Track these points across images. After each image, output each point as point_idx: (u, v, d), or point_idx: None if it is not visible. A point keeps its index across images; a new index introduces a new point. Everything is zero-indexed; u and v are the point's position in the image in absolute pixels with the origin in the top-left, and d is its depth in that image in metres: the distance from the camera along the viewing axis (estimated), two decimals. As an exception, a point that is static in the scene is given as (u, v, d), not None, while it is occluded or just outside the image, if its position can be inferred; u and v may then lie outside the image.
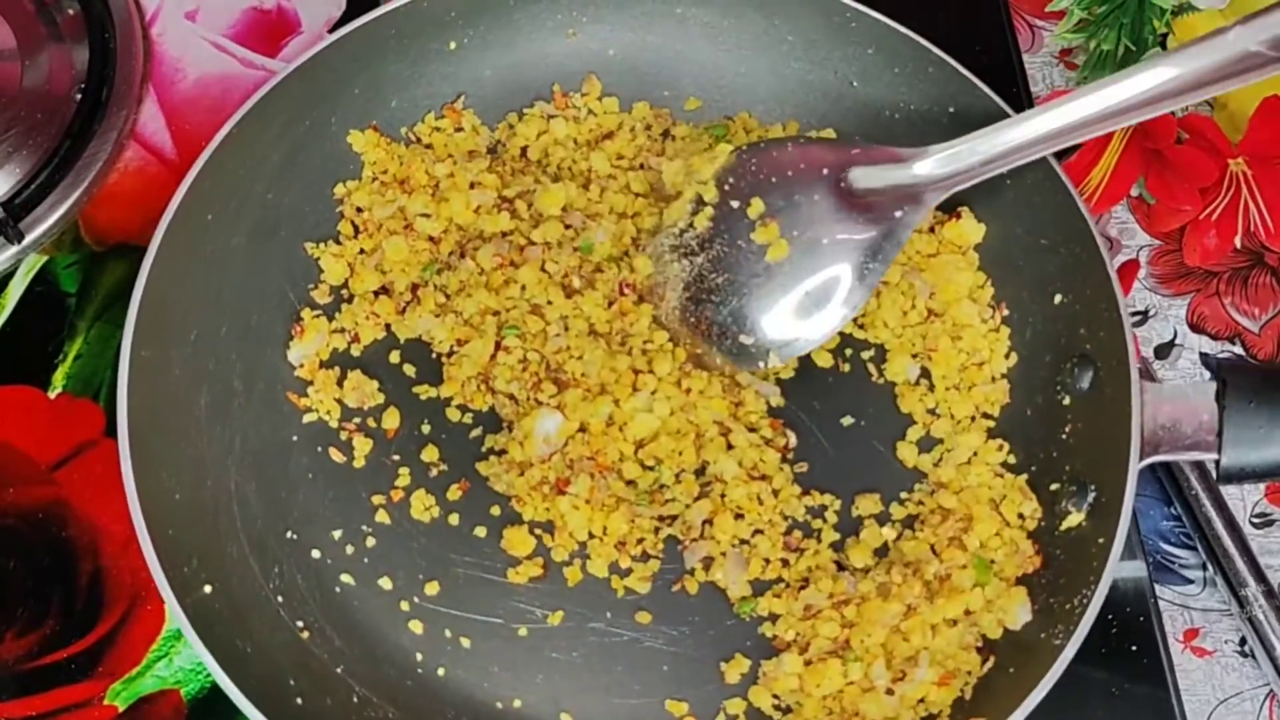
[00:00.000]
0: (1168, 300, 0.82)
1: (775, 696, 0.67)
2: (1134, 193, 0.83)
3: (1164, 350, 0.81)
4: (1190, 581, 0.76)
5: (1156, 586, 0.73)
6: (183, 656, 0.71)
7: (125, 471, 0.66)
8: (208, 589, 0.66)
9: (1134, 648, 0.71)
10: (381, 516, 0.71)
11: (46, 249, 0.79)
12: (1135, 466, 0.66)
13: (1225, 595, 0.75)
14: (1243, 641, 0.74)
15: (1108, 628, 0.71)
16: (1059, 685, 0.63)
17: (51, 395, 0.76)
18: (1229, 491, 0.77)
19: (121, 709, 0.70)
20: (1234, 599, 0.75)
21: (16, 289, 0.78)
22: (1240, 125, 0.81)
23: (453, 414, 0.73)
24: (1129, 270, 0.82)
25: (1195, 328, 0.81)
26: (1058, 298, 0.72)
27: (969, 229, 0.74)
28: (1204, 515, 0.76)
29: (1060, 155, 0.70)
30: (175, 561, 0.65)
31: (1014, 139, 0.68)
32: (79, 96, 0.80)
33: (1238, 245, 0.81)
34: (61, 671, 0.70)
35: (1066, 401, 0.71)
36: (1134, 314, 0.79)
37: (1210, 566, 0.76)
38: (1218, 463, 0.66)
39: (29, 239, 0.77)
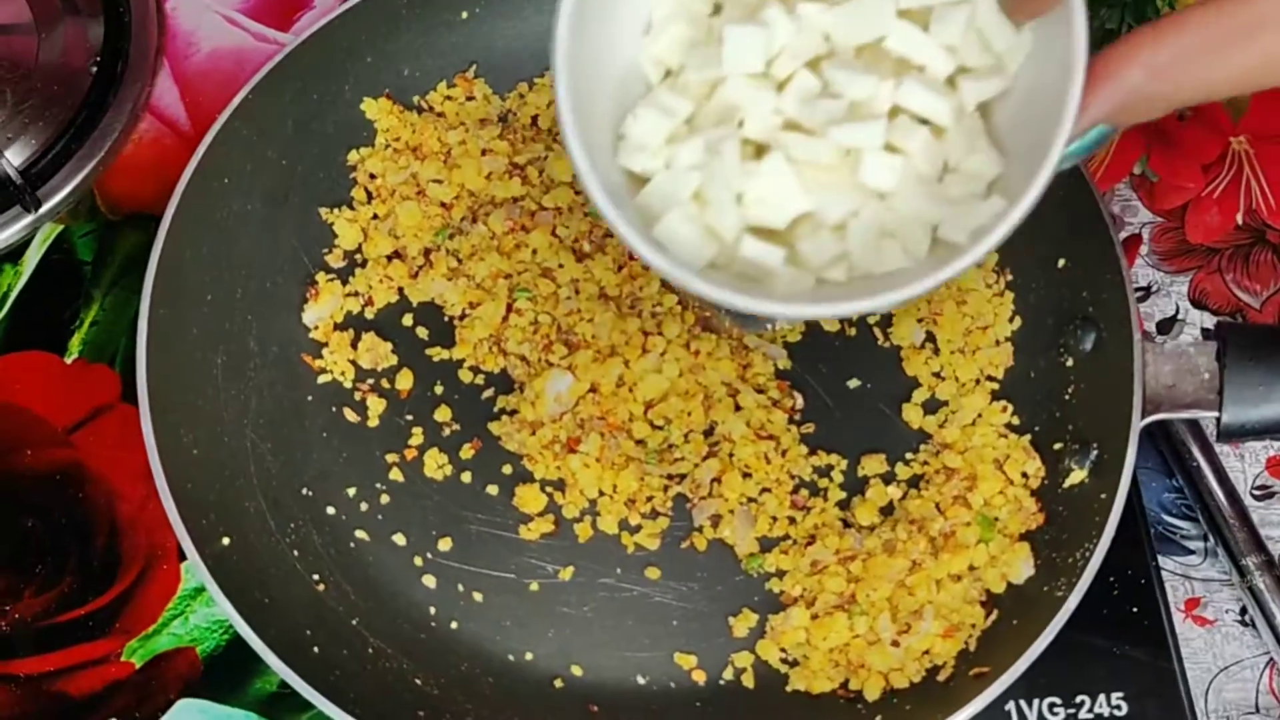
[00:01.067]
0: (1170, 277, 0.82)
1: (782, 650, 0.68)
2: (1137, 170, 0.83)
3: (1166, 325, 0.82)
4: (1191, 552, 0.77)
5: (1159, 558, 0.74)
6: (198, 615, 0.72)
7: (145, 425, 0.67)
8: (225, 541, 0.67)
9: (1134, 609, 0.72)
10: (395, 475, 0.72)
11: (63, 218, 0.80)
12: (1137, 425, 0.67)
13: (1226, 565, 0.75)
14: (1243, 611, 0.75)
15: (1109, 589, 0.72)
16: (1061, 649, 0.64)
17: (68, 361, 0.77)
18: (1230, 464, 0.77)
19: (138, 665, 0.71)
20: (1235, 569, 0.75)
21: (33, 257, 0.79)
22: (1242, 104, 0.82)
23: (465, 375, 0.74)
24: (1131, 246, 0.82)
25: (1197, 304, 0.82)
26: (1061, 262, 0.73)
27: (973, 195, 0.75)
28: (1205, 486, 0.76)
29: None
30: (194, 514, 0.66)
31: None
32: (94, 69, 0.81)
33: (1239, 222, 0.82)
34: (79, 628, 0.71)
35: (1069, 363, 0.72)
36: (1136, 289, 0.79)
37: (1211, 537, 0.76)
38: (1219, 420, 0.67)
39: (45, 208, 0.78)
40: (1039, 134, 0.49)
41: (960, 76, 0.51)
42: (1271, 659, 0.73)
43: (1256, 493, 0.77)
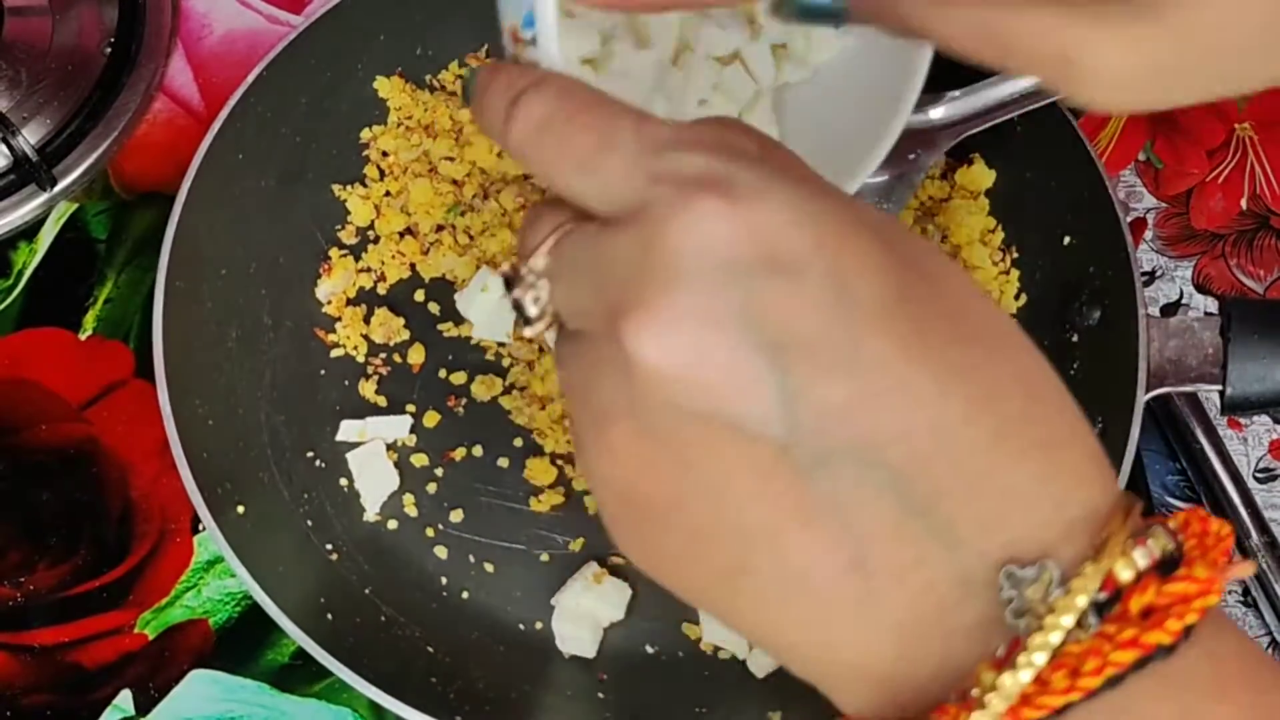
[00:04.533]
0: (1174, 262, 0.83)
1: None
2: (1141, 156, 0.84)
3: (1170, 310, 0.82)
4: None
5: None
6: (211, 588, 0.72)
7: (161, 394, 0.68)
8: (240, 510, 0.68)
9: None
10: (407, 447, 0.73)
11: (77, 196, 0.80)
12: (1142, 398, 0.67)
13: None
14: (1246, 592, 0.75)
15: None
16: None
17: (82, 337, 0.77)
18: (1234, 446, 0.78)
19: (151, 637, 0.71)
20: (1238, 550, 0.76)
21: (48, 235, 0.80)
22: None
23: (476, 350, 0.75)
24: (1136, 230, 0.83)
25: (1201, 289, 0.83)
26: (1066, 239, 0.74)
27: (980, 174, 0.76)
28: (1209, 468, 0.77)
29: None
30: (209, 483, 0.67)
31: (1025, 85, 0.70)
32: (108, 50, 0.82)
33: (1243, 208, 0.83)
34: (93, 600, 0.72)
35: (1075, 339, 0.72)
36: (1141, 274, 0.80)
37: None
38: (1223, 393, 0.67)
39: (60, 186, 0.79)
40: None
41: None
42: (1274, 639, 0.74)
43: (1259, 475, 0.78)
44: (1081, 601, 0.33)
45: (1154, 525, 0.34)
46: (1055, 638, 0.33)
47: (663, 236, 0.35)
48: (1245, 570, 0.35)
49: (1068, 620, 0.33)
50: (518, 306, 0.39)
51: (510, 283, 0.39)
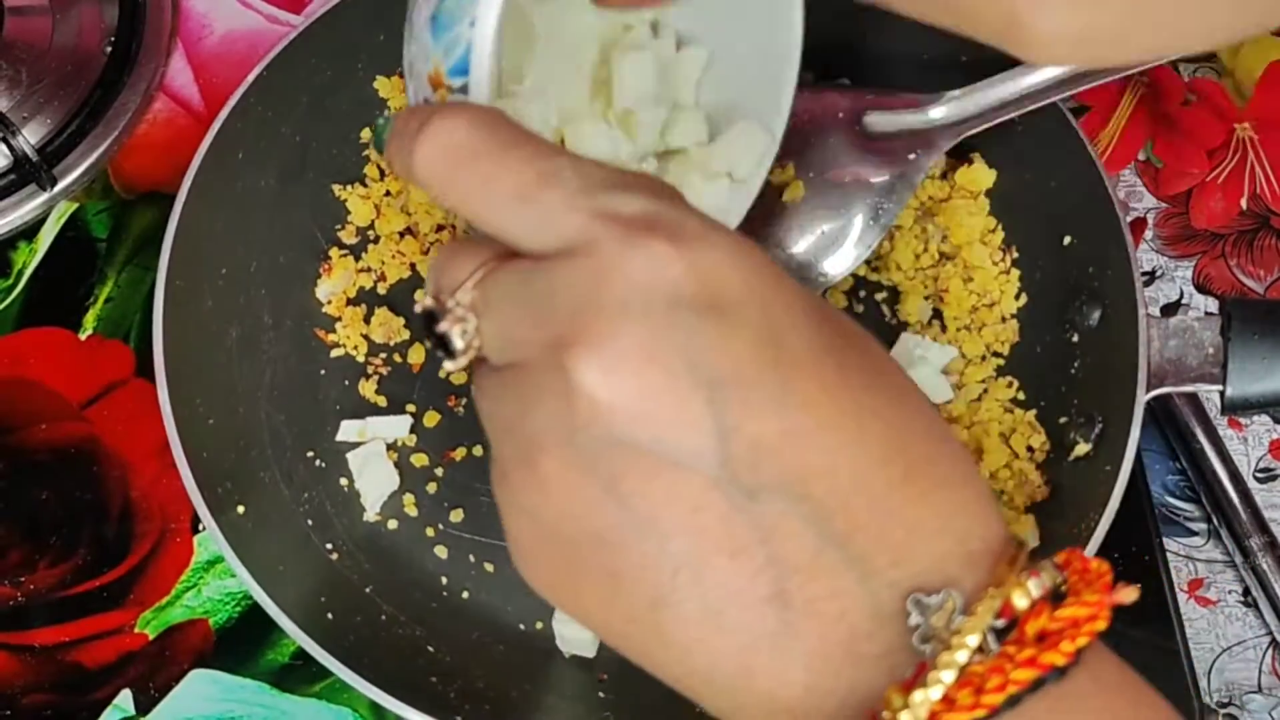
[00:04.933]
0: (1174, 262, 0.83)
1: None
2: (1141, 156, 0.84)
3: (1170, 310, 0.82)
4: (1194, 534, 0.77)
5: (1163, 539, 0.74)
6: (211, 587, 0.72)
7: (161, 393, 0.68)
8: (240, 510, 0.68)
9: (1139, 585, 0.72)
10: (407, 447, 0.73)
11: (77, 196, 0.80)
12: (1142, 398, 0.67)
13: (1230, 547, 0.76)
14: (1246, 592, 0.75)
15: (1113, 568, 0.72)
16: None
17: (82, 336, 0.77)
18: (1234, 446, 0.78)
19: (152, 636, 0.71)
20: (1238, 549, 0.76)
21: (48, 234, 0.80)
22: (1246, 91, 0.83)
23: (476, 350, 0.75)
24: (1136, 230, 0.83)
25: (1201, 288, 0.83)
26: (1066, 239, 0.74)
27: (980, 174, 0.76)
28: (1209, 468, 0.77)
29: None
30: (210, 482, 0.67)
31: (1025, 85, 0.70)
32: (109, 50, 0.82)
33: (1243, 208, 0.83)
34: (93, 600, 0.72)
35: (1075, 339, 0.73)
36: (1141, 274, 0.80)
37: (1214, 518, 0.77)
38: (1222, 393, 0.67)
39: (60, 186, 0.79)
40: None
41: None
42: (1274, 639, 0.74)
43: (1259, 475, 0.78)
44: (984, 624, 0.36)
45: (1042, 561, 0.37)
46: (962, 656, 0.35)
47: (611, 273, 0.36)
48: (1129, 595, 0.37)
49: (973, 640, 0.36)
50: (443, 341, 0.39)
51: (433, 317, 0.39)
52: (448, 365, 0.40)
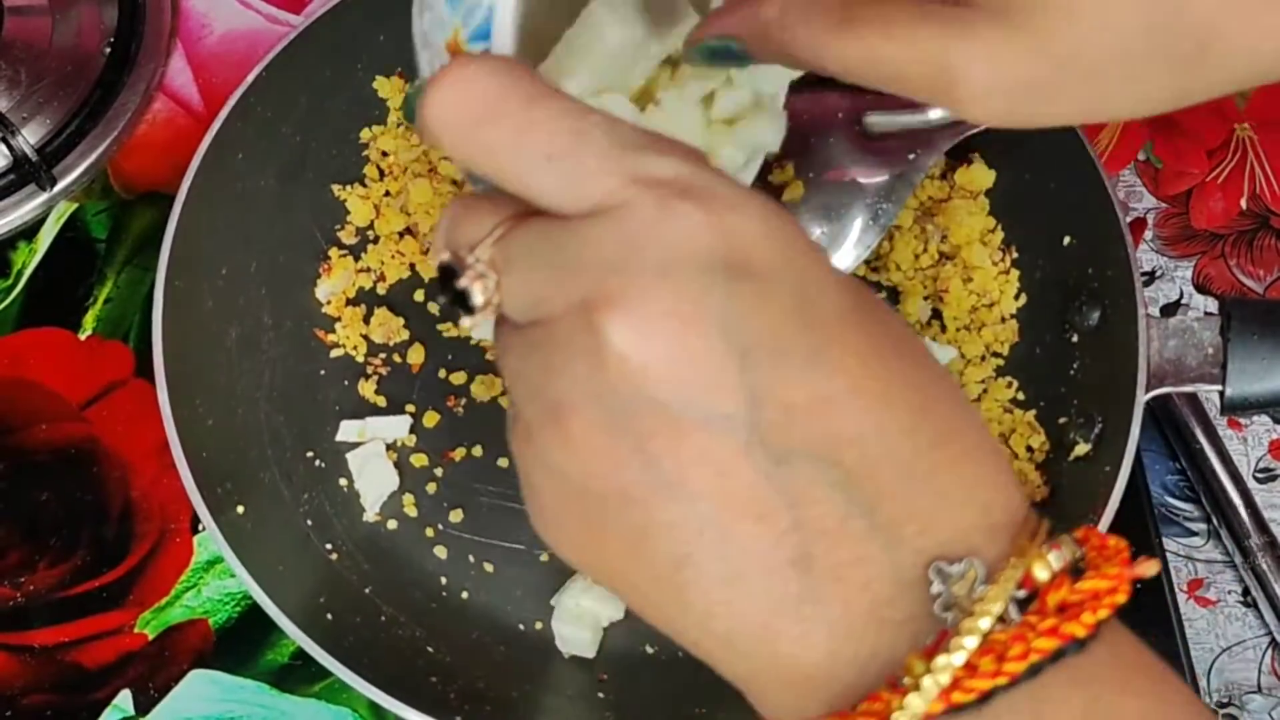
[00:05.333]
0: (1174, 262, 0.83)
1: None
2: (1141, 156, 0.84)
3: (1170, 310, 0.82)
4: (1194, 534, 0.77)
5: (1163, 539, 0.74)
6: (211, 588, 0.72)
7: (160, 394, 0.68)
8: (240, 510, 0.68)
9: (1139, 586, 0.72)
10: (407, 447, 0.73)
11: (77, 196, 0.80)
12: (1142, 398, 0.67)
13: (1229, 547, 0.76)
14: (1245, 592, 0.75)
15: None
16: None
17: (82, 337, 0.77)
18: (1233, 446, 0.78)
19: (151, 637, 0.71)
20: (1238, 550, 0.76)
21: (48, 235, 0.80)
22: (1246, 91, 0.83)
23: (476, 350, 0.75)
24: (1136, 230, 0.83)
25: (1201, 289, 0.83)
26: (1066, 239, 0.74)
27: (980, 174, 0.76)
28: (1208, 468, 0.77)
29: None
30: (209, 483, 0.67)
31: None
32: (108, 50, 0.82)
33: (1243, 208, 0.83)
34: (93, 600, 0.72)
35: (1075, 339, 0.73)
36: (1141, 274, 0.80)
37: (1214, 518, 0.77)
38: (1222, 393, 0.67)
39: (60, 186, 0.79)
40: None
41: None
42: (1274, 639, 0.74)
43: (1259, 475, 0.78)
44: (1008, 592, 0.36)
45: (1061, 536, 0.37)
46: (985, 623, 0.36)
47: (647, 236, 0.36)
48: (1150, 569, 0.38)
49: (997, 608, 0.36)
50: (461, 297, 0.38)
51: (451, 273, 0.39)
52: (464, 322, 0.39)
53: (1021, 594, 0.36)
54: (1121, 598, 0.37)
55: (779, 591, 0.37)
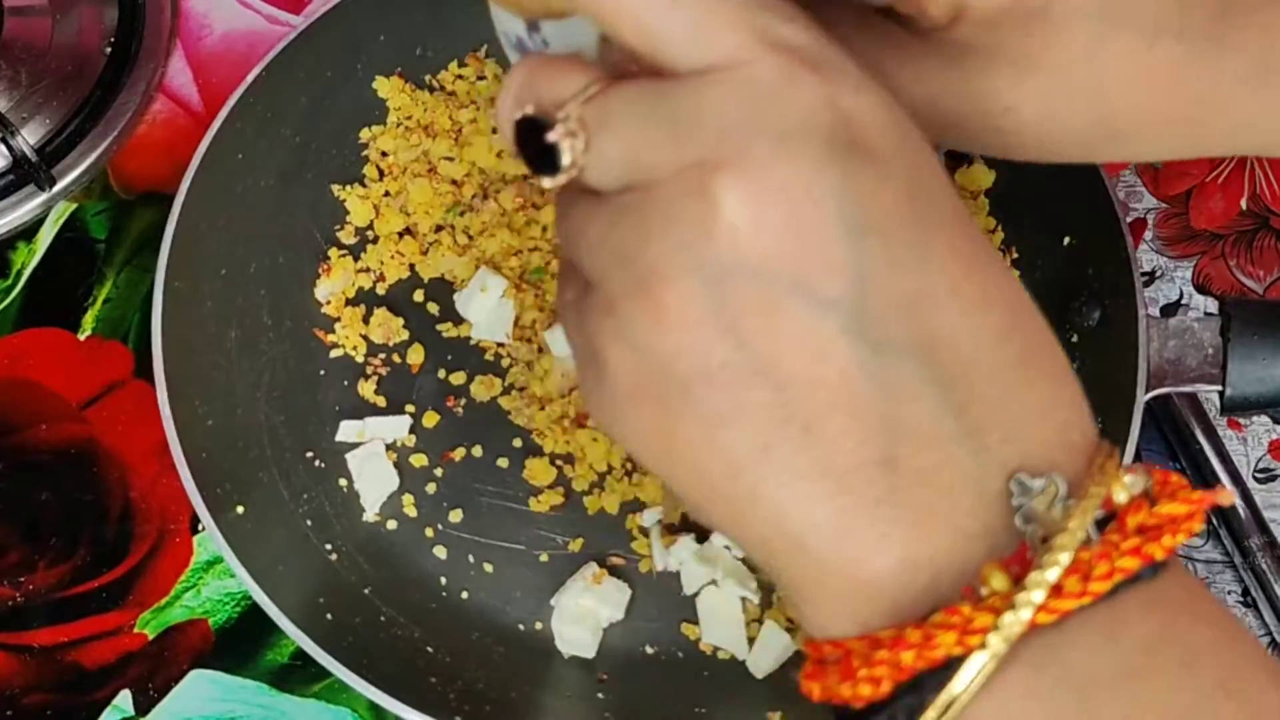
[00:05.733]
0: (1174, 262, 0.83)
1: (789, 620, 0.69)
2: (1140, 156, 0.84)
3: (1170, 310, 0.82)
4: (1193, 534, 0.77)
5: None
6: (210, 588, 0.72)
7: (160, 394, 0.68)
8: (240, 510, 0.68)
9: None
10: (406, 447, 0.73)
11: (76, 196, 0.80)
12: (1142, 398, 0.67)
13: (1229, 547, 0.76)
14: (1245, 592, 0.75)
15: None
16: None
17: (81, 337, 0.77)
18: (1233, 447, 0.78)
19: (151, 637, 0.71)
20: (1238, 549, 0.76)
21: (47, 235, 0.80)
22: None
23: (474, 350, 0.75)
24: (1136, 231, 0.83)
25: (1201, 289, 0.83)
26: (1066, 239, 0.74)
27: (980, 175, 0.76)
28: (1208, 469, 0.77)
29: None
30: (209, 483, 0.67)
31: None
32: (108, 50, 0.82)
33: (1243, 208, 0.83)
34: (93, 600, 0.72)
35: (1075, 339, 0.72)
36: (1141, 274, 0.80)
37: (1214, 518, 0.77)
38: (1222, 394, 0.67)
39: (59, 186, 0.79)
40: None
41: None
42: (1274, 639, 0.74)
43: (1259, 475, 0.78)
44: (1094, 510, 0.36)
45: (1134, 464, 0.37)
46: (1079, 538, 0.35)
47: (772, 101, 0.35)
48: (1228, 498, 0.39)
49: (1085, 525, 0.35)
50: (548, 155, 0.36)
51: (535, 128, 0.37)
52: (545, 183, 0.37)
53: (1101, 514, 0.36)
54: (1198, 525, 0.36)
55: (860, 491, 0.36)
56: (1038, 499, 0.36)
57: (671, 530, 0.71)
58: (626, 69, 0.38)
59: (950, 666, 0.35)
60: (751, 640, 0.69)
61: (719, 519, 0.38)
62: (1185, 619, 0.37)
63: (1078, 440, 0.37)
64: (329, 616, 0.66)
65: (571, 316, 0.39)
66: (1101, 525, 0.36)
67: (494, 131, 0.77)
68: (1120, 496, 0.36)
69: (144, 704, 0.70)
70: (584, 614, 0.69)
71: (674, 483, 0.38)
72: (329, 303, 0.75)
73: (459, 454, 0.73)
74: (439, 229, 0.76)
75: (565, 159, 0.36)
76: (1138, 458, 0.70)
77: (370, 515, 0.72)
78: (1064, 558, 0.35)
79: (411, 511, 0.72)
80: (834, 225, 0.35)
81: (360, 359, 0.75)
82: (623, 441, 0.38)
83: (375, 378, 0.74)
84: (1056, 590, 0.35)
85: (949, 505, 0.36)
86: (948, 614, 0.35)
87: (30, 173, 0.78)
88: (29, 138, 0.78)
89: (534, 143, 0.37)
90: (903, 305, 0.35)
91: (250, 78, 0.74)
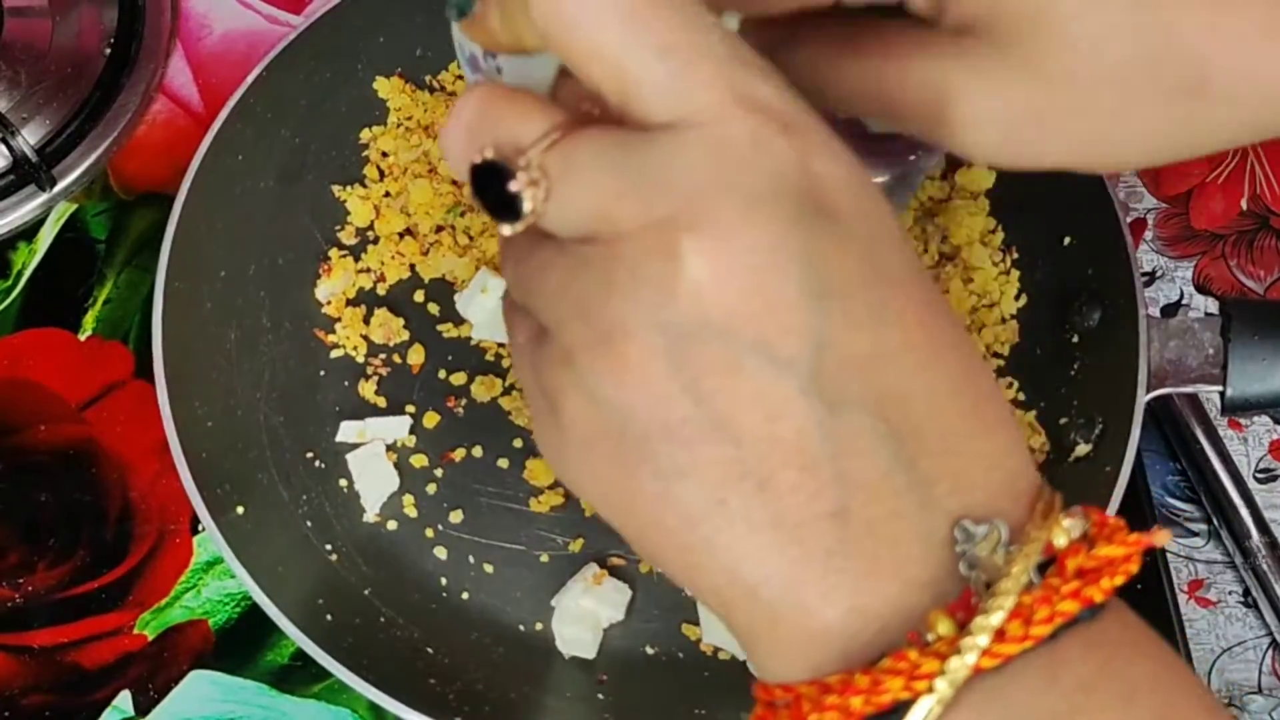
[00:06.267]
0: (1174, 262, 0.83)
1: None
2: (1140, 156, 0.84)
3: (1170, 310, 0.82)
4: (1194, 534, 0.77)
5: (1162, 539, 0.74)
6: (210, 588, 0.72)
7: (160, 394, 0.68)
8: (240, 511, 0.68)
9: (1139, 586, 0.72)
10: (406, 448, 0.73)
11: (76, 197, 0.80)
12: (1142, 399, 0.67)
13: (1230, 547, 0.76)
14: (1246, 593, 0.75)
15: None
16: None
17: (81, 338, 0.77)
18: (1234, 447, 0.78)
19: (151, 637, 0.71)
20: (1238, 550, 0.76)
21: (47, 235, 0.80)
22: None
23: (475, 351, 0.75)
24: (1136, 231, 0.83)
25: (1201, 289, 0.83)
26: (1066, 239, 0.74)
27: (980, 175, 0.76)
28: (1209, 469, 0.77)
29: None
30: (209, 484, 0.67)
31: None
32: (108, 51, 0.82)
33: (1243, 208, 0.83)
34: (92, 601, 0.72)
35: (1075, 339, 0.73)
36: (1141, 274, 0.80)
37: (1214, 519, 0.77)
38: (1223, 394, 0.67)
39: (60, 186, 0.79)
40: None
41: None
42: (1274, 640, 0.74)
43: (1259, 475, 0.78)
44: (1037, 555, 0.36)
45: (1072, 508, 0.38)
46: (1021, 582, 0.36)
47: (743, 164, 0.35)
48: (1163, 538, 0.38)
49: (1028, 570, 0.36)
50: (509, 202, 0.36)
51: (495, 174, 0.36)
52: (505, 230, 0.36)
53: (1042, 558, 0.37)
54: (1135, 565, 0.37)
55: (812, 543, 0.36)
56: (981, 545, 0.37)
57: None
58: (582, 107, 0.38)
59: (898, 711, 0.36)
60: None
61: (673, 568, 0.39)
62: (1124, 656, 0.37)
63: (1023, 487, 0.38)
64: (329, 617, 0.66)
65: (526, 362, 0.39)
66: (1044, 569, 0.37)
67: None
68: (1060, 540, 0.37)
69: (144, 704, 0.70)
70: (584, 614, 0.69)
71: (629, 531, 0.39)
72: (329, 303, 0.75)
73: (459, 454, 0.73)
74: (439, 229, 0.76)
75: (526, 207, 0.36)
76: (1138, 458, 0.70)
77: (370, 516, 0.72)
78: (1007, 602, 0.36)
79: (412, 512, 0.72)
80: (795, 289, 0.35)
81: (361, 359, 0.75)
82: (577, 488, 0.39)
83: (376, 378, 0.74)
84: (1000, 635, 0.35)
85: (898, 555, 0.37)
86: (895, 659, 0.36)
87: (30, 173, 0.78)
88: (29, 138, 0.78)
89: (493, 189, 0.36)
90: (859, 365, 0.36)
91: (250, 78, 0.74)
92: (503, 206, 0.36)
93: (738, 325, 0.35)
